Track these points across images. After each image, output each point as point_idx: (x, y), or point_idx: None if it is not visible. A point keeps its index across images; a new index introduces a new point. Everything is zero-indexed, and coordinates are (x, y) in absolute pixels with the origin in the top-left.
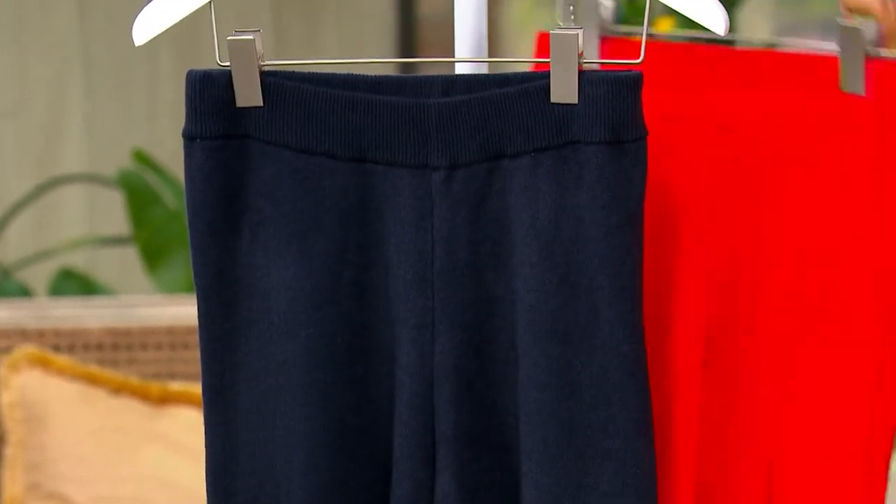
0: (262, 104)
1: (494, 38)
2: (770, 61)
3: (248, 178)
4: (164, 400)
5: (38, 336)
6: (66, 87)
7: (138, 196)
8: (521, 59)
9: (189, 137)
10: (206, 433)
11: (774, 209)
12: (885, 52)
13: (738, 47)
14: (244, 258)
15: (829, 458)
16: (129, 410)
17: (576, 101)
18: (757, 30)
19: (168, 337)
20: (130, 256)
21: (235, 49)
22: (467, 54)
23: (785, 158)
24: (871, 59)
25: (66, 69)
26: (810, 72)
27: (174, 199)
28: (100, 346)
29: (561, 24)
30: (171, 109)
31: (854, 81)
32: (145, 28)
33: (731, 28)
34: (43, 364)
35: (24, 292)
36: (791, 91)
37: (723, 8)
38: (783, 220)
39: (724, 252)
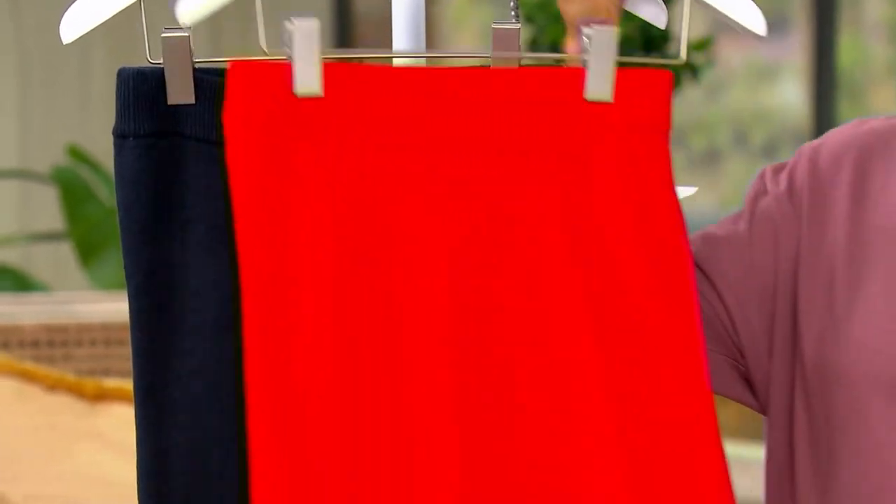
0: (194, 101)
1: (432, 35)
2: (502, 78)
3: (179, 177)
4: (100, 397)
5: None
6: None
7: (73, 192)
8: (458, 55)
9: (121, 136)
10: (137, 434)
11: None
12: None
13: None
14: (176, 257)
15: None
16: (65, 408)
17: None
18: (692, 26)
19: (103, 333)
20: (65, 252)
21: (169, 46)
22: (405, 50)
23: (524, 174)
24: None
25: None
26: (548, 84)
27: (109, 194)
28: (35, 343)
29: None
30: (105, 105)
31: (602, 88)
32: (74, 25)
33: (668, 24)
34: None
35: None
36: (524, 106)
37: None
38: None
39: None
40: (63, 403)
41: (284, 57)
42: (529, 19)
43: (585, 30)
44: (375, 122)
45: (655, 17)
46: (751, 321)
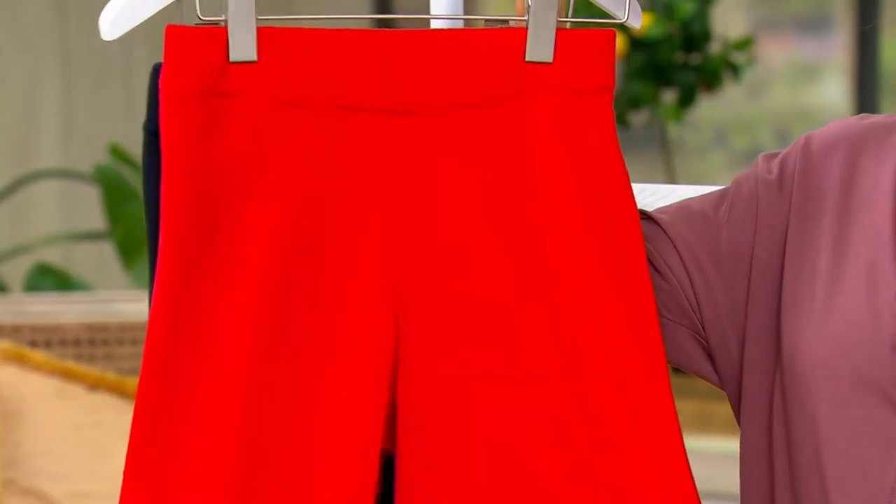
0: None
1: None
2: (443, 40)
3: None
4: None
5: (15, 331)
6: (42, 81)
7: (115, 191)
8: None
9: (152, 133)
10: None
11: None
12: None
13: (409, 29)
14: None
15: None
16: (106, 406)
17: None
18: (733, 25)
19: (144, 332)
20: (107, 251)
21: None
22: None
23: (467, 133)
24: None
25: (42, 63)
26: (488, 46)
27: None
28: (76, 342)
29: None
30: None
31: (542, 49)
32: (114, 22)
33: (709, 23)
34: (19, 359)
35: (0, 288)
36: (465, 68)
37: None
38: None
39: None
40: (105, 402)
41: (221, 22)
42: None
43: None
44: (313, 85)
45: (615, 7)
46: (717, 302)
